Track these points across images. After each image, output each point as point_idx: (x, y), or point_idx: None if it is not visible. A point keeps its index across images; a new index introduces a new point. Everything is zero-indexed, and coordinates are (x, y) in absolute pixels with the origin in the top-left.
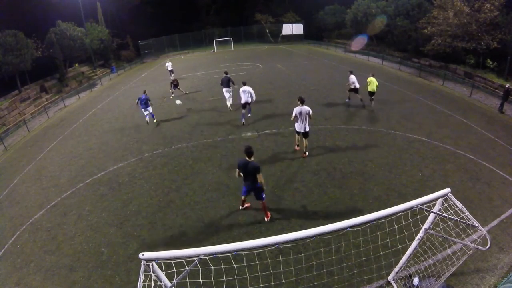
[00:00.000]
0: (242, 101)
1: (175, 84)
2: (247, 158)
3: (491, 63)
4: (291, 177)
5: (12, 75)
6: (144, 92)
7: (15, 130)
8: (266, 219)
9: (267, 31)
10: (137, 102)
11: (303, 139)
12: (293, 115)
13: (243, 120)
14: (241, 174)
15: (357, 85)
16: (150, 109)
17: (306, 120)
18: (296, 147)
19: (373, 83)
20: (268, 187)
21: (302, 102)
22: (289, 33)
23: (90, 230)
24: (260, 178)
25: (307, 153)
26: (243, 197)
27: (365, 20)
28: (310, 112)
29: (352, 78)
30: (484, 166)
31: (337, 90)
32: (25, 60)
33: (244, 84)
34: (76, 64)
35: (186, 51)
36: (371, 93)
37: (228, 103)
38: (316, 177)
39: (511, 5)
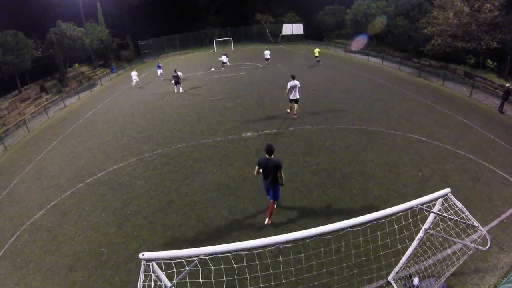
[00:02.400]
0: (225, 61)
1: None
2: (267, 156)
3: (491, 63)
4: (291, 177)
5: (12, 75)
6: (159, 62)
7: (15, 130)
8: (266, 222)
9: (267, 31)
10: (157, 69)
11: (295, 104)
12: (288, 87)
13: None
14: (260, 172)
15: (268, 57)
16: (161, 70)
17: (297, 91)
18: (288, 110)
19: (316, 52)
20: None
21: (293, 78)
22: (289, 33)
23: (90, 230)
24: (281, 174)
25: (296, 115)
26: (271, 201)
27: (365, 20)
28: (299, 85)
29: (266, 52)
30: (484, 166)
31: (337, 90)
32: (25, 60)
33: (225, 54)
34: (76, 64)
35: (186, 51)
36: (316, 57)
37: (228, 64)
38: (316, 177)
39: (511, 5)
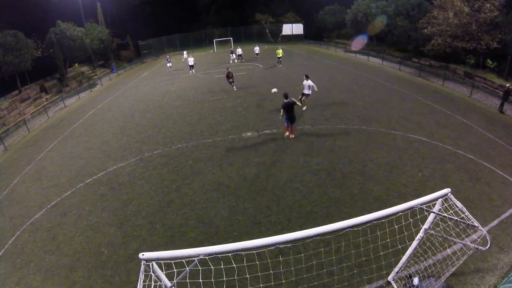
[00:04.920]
0: (232, 57)
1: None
2: (285, 100)
3: (491, 63)
4: (291, 177)
5: (12, 75)
6: (167, 56)
7: (15, 130)
8: (291, 136)
9: (267, 31)
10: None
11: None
12: (304, 85)
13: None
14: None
15: (257, 52)
16: (170, 63)
17: (310, 88)
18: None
19: (279, 53)
20: (268, 187)
21: (307, 77)
22: (289, 33)
23: (90, 230)
24: (295, 106)
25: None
26: (287, 127)
27: (365, 20)
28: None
29: (256, 48)
30: (484, 166)
31: (337, 90)
32: (25, 60)
33: (232, 52)
34: (76, 64)
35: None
36: (279, 58)
37: (234, 61)
38: (316, 177)
39: (511, 5)
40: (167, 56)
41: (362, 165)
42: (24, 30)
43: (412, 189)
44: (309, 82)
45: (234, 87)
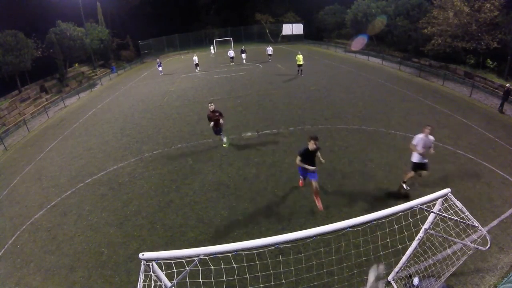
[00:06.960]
0: (243, 56)
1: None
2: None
3: (491, 63)
4: (291, 177)
5: (12, 75)
6: (158, 60)
7: (15, 130)
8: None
9: (267, 31)
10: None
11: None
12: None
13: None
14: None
15: (270, 53)
16: (161, 67)
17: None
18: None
19: (299, 59)
20: (268, 187)
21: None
22: (289, 33)
23: (90, 230)
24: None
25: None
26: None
27: (365, 20)
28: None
29: (268, 48)
30: (484, 166)
31: (337, 90)
32: (25, 60)
33: (242, 51)
34: (76, 64)
35: (186, 51)
36: (299, 65)
37: (244, 61)
38: None
39: (511, 5)
40: (158, 60)
41: (362, 165)
42: (24, 30)
43: (412, 189)
44: (429, 140)
45: (224, 139)
